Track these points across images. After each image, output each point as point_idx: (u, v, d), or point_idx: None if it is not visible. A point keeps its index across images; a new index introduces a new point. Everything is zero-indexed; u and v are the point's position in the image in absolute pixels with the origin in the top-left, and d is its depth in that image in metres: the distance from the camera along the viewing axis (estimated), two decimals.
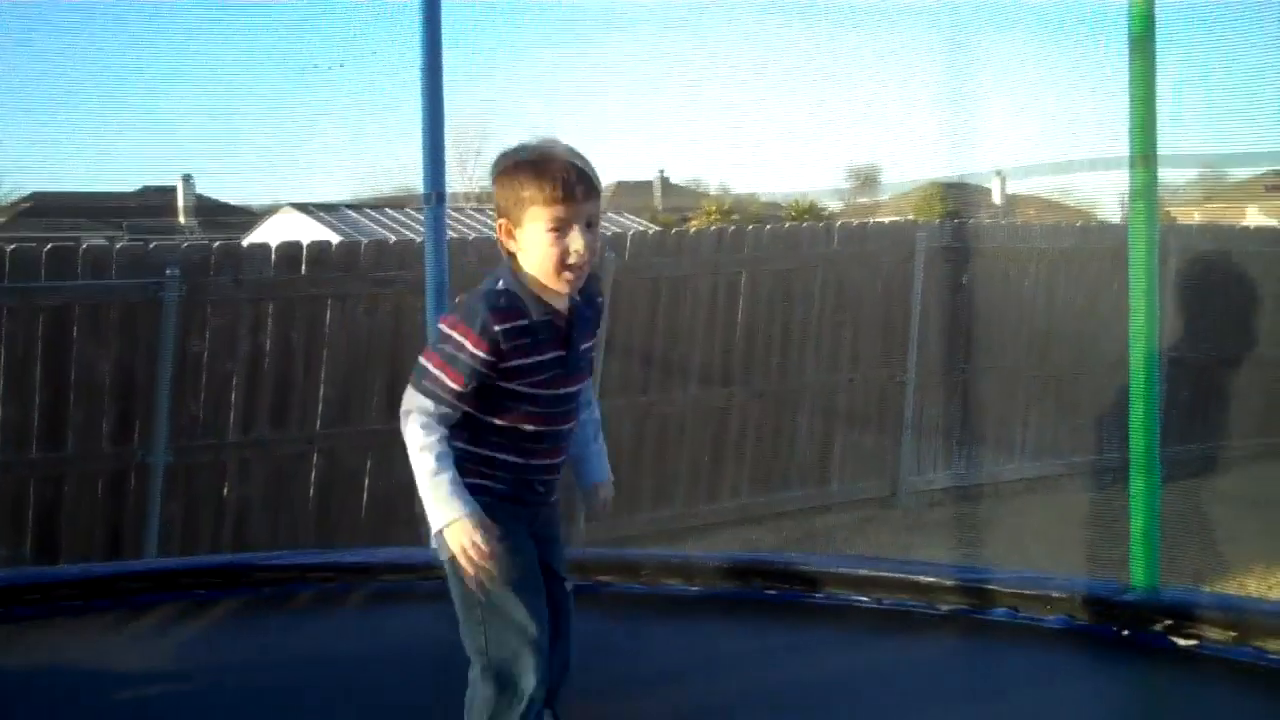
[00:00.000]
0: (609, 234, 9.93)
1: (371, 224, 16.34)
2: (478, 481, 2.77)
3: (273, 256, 7.76)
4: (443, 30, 5.07)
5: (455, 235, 11.20)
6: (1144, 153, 3.94)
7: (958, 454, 9.50)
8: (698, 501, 8.95)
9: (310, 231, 12.96)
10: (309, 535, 7.62)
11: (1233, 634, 3.63)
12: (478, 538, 2.65)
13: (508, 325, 2.71)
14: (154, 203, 18.41)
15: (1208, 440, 9.96)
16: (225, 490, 7.57)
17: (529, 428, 2.81)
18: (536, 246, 2.74)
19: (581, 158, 2.80)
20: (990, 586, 4.15)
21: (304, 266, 7.80)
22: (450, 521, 2.66)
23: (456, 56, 5.33)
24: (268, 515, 7.66)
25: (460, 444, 2.78)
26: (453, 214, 14.49)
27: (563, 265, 2.73)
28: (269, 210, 15.73)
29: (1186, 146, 5.52)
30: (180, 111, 7.75)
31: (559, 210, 2.71)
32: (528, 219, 2.74)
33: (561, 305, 2.81)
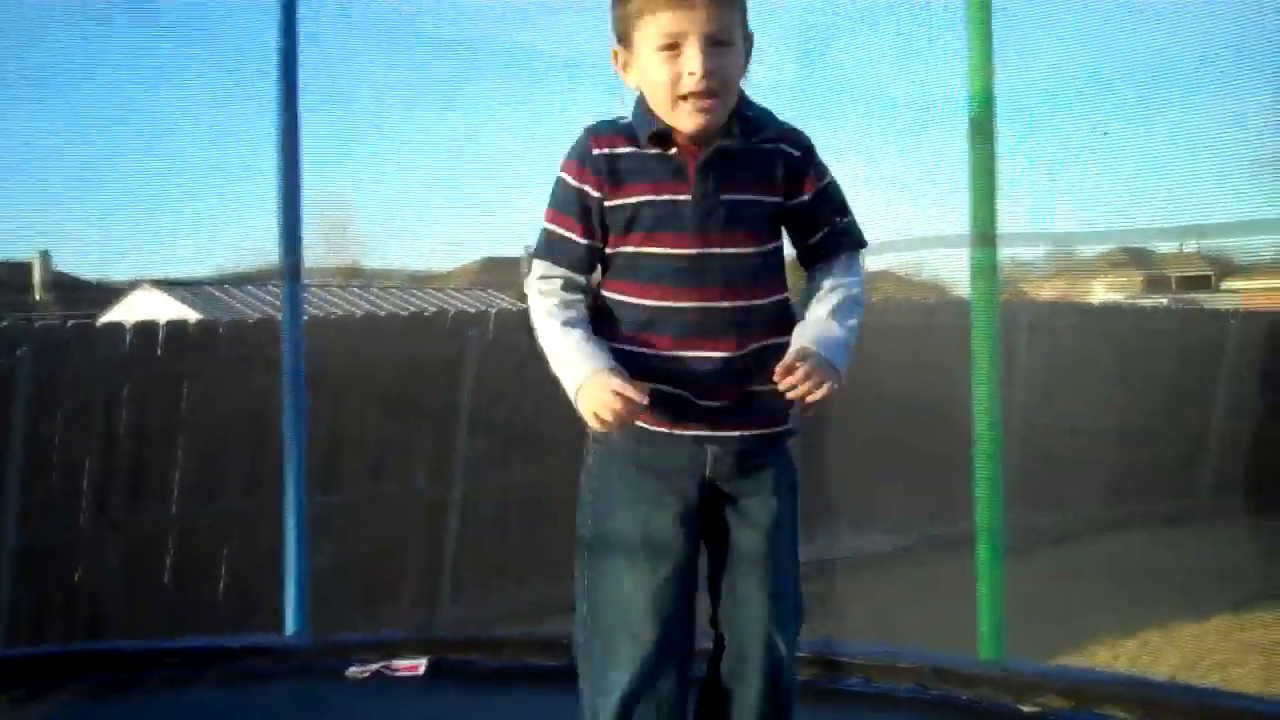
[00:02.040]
0: (472, 311, 9.95)
1: (234, 301, 16.13)
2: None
3: (128, 335, 7.64)
4: (300, 102, 5.04)
5: (318, 313, 11.16)
6: (984, 232, 4.09)
7: (813, 526, 9.59)
8: (566, 579, 8.91)
9: (170, 309, 12.77)
10: (165, 619, 7.45)
11: (1074, 701, 3.74)
12: (615, 386, 2.14)
13: (607, 151, 2.23)
14: (8, 279, 17.99)
15: (1057, 511, 10.21)
16: (77, 574, 7.38)
17: (660, 303, 2.22)
18: (645, 72, 2.22)
19: None
20: (842, 659, 4.22)
21: (160, 345, 7.69)
22: (578, 387, 2.20)
23: (316, 122, 5.32)
24: (123, 599, 7.47)
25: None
26: (316, 290, 14.42)
27: (677, 94, 2.18)
28: (128, 287, 15.48)
29: (1030, 225, 5.75)
30: (36, 186, 7.61)
31: (668, 20, 2.17)
32: (636, 38, 2.22)
33: (691, 141, 2.23)
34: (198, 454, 7.67)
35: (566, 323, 2.25)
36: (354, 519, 8.01)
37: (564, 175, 2.26)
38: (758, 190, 2.27)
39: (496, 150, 8.40)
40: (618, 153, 2.24)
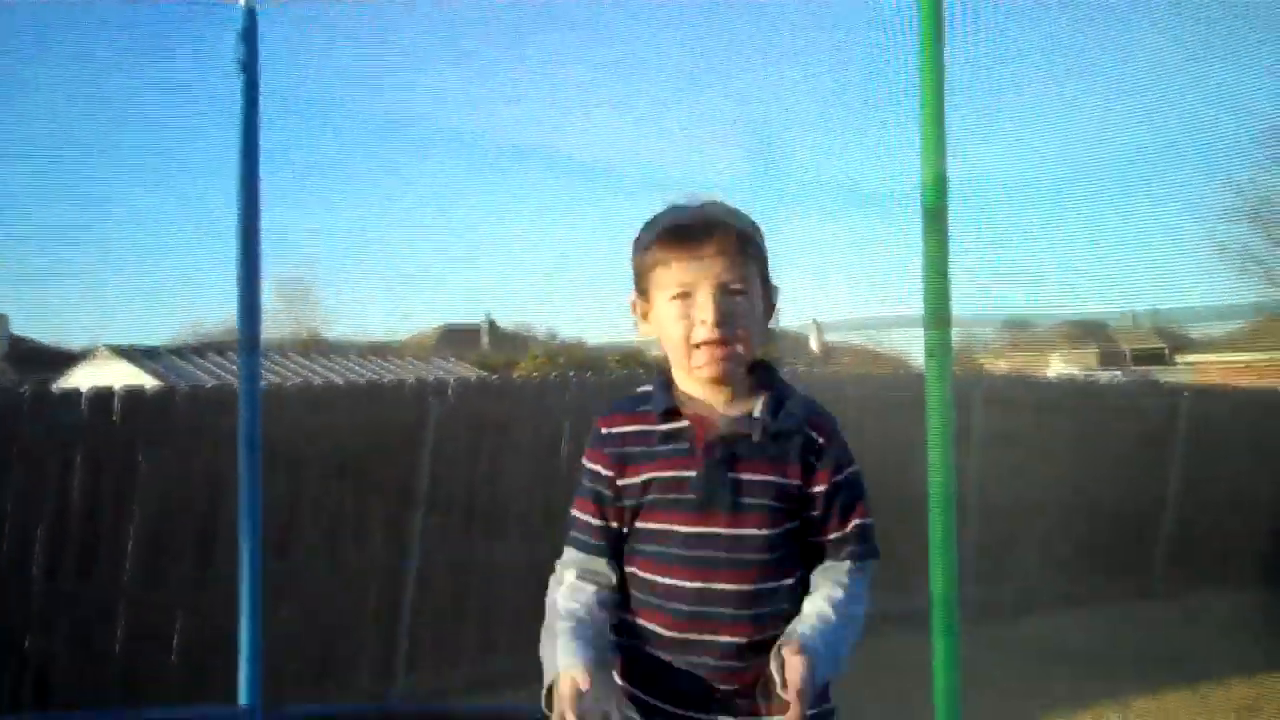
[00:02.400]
0: (431, 380, 9.94)
1: (193, 369, 16.08)
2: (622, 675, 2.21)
3: (84, 401, 7.59)
4: (261, 179, 5.09)
5: (275, 379, 11.14)
6: (936, 313, 4.15)
7: None
8: (522, 651, 8.86)
9: (127, 375, 12.71)
10: (117, 690, 7.35)
11: None
12: (566, 684, 2.06)
13: (622, 429, 2.22)
14: None
15: (1013, 584, 10.25)
16: (26, 643, 7.28)
17: (666, 580, 2.16)
18: (661, 323, 2.21)
19: (731, 209, 2.24)
20: None
21: (116, 411, 7.64)
22: (548, 685, 2.13)
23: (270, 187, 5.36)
24: (73, 669, 7.37)
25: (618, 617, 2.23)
26: (277, 359, 14.39)
27: (691, 343, 2.16)
28: (84, 352, 15.43)
29: (985, 304, 5.83)
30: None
31: (680, 270, 2.16)
32: (652, 289, 2.22)
33: (713, 411, 2.19)
34: (152, 521, 7.59)
35: (564, 614, 2.21)
36: (309, 588, 7.95)
37: (585, 460, 2.29)
38: (771, 470, 2.19)
39: (459, 224, 8.48)
40: (627, 431, 2.23)
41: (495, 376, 11.33)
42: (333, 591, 8.16)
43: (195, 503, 7.64)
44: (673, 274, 2.18)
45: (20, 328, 16.45)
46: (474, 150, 7.53)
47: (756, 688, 2.10)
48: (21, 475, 7.28)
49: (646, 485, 2.19)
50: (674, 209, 2.27)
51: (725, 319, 2.14)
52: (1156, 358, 17.64)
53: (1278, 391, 11.66)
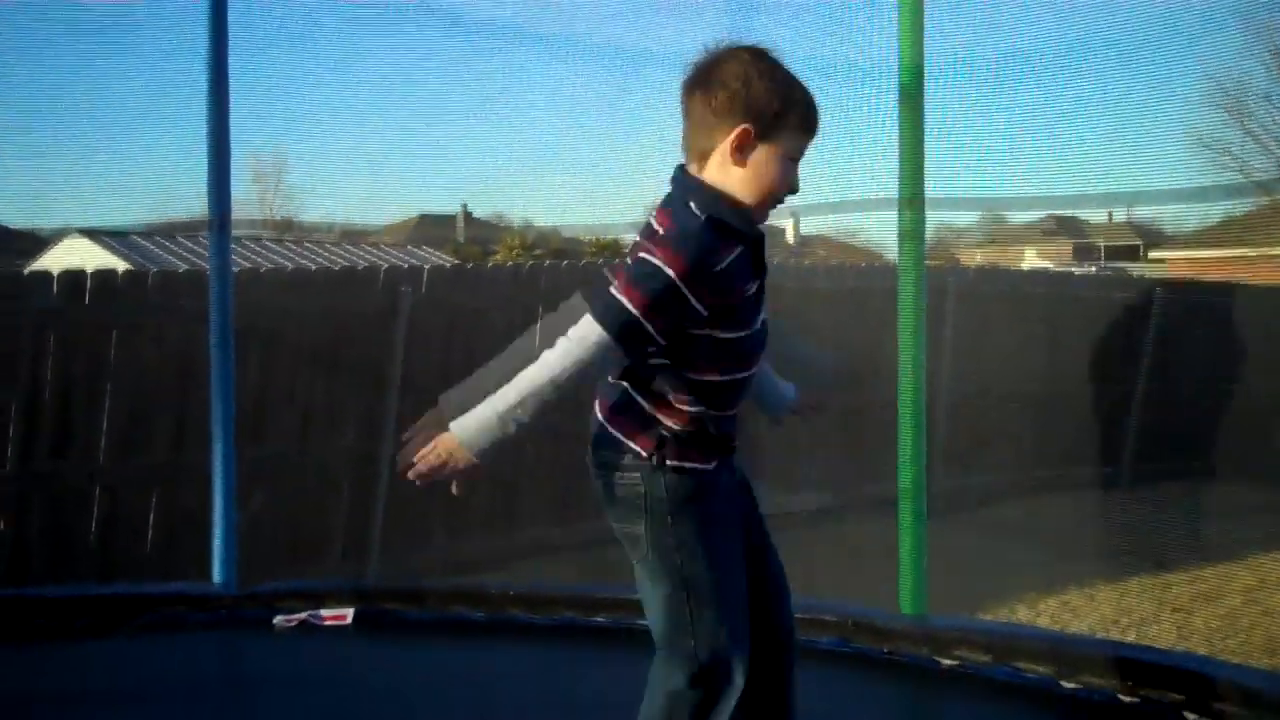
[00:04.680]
0: (405, 267, 9.92)
1: (163, 252, 15.95)
2: (683, 457, 2.45)
3: (55, 285, 7.55)
4: (230, 50, 4.99)
5: (247, 265, 11.06)
6: (911, 196, 4.15)
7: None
8: (492, 535, 8.95)
9: (99, 259, 12.60)
10: (91, 571, 7.40)
11: (991, 655, 3.83)
12: (460, 460, 2.36)
13: (731, 257, 2.38)
14: None
15: (984, 473, 10.37)
16: (0, 525, 7.31)
17: (730, 376, 2.48)
18: (769, 169, 2.45)
19: None
20: None
21: (88, 295, 7.60)
22: (468, 437, 2.36)
23: (248, 71, 5.29)
24: (48, 550, 7.41)
25: (653, 408, 2.46)
26: (247, 244, 14.28)
27: (779, 198, 2.50)
28: (56, 236, 15.25)
29: (960, 190, 5.82)
30: None
31: (806, 143, 2.51)
32: (779, 137, 2.46)
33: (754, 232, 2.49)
34: (125, 405, 7.59)
35: (555, 368, 2.36)
36: (283, 474, 7.98)
37: (662, 265, 2.33)
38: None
39: (435, 107, 8.39)
40: (735, 257, 2.38)
41: (470, 265, 11.28)
42: (306, 476, 8.20)
43: (169, 386, 7.63)
44: (798, 143, 2.48)
45: None
46: (453, 30, 7.42)
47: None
48: None
49: (737, 306, 2.44)
50: (803, 85, 2.51)
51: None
52: (1131, 253, 17.66)
53: (1248, 287, 11.69)
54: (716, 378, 2.46)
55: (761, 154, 2.44)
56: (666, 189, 2.56)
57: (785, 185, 2.48)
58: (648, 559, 2.48)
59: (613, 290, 2.35)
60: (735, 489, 2.61)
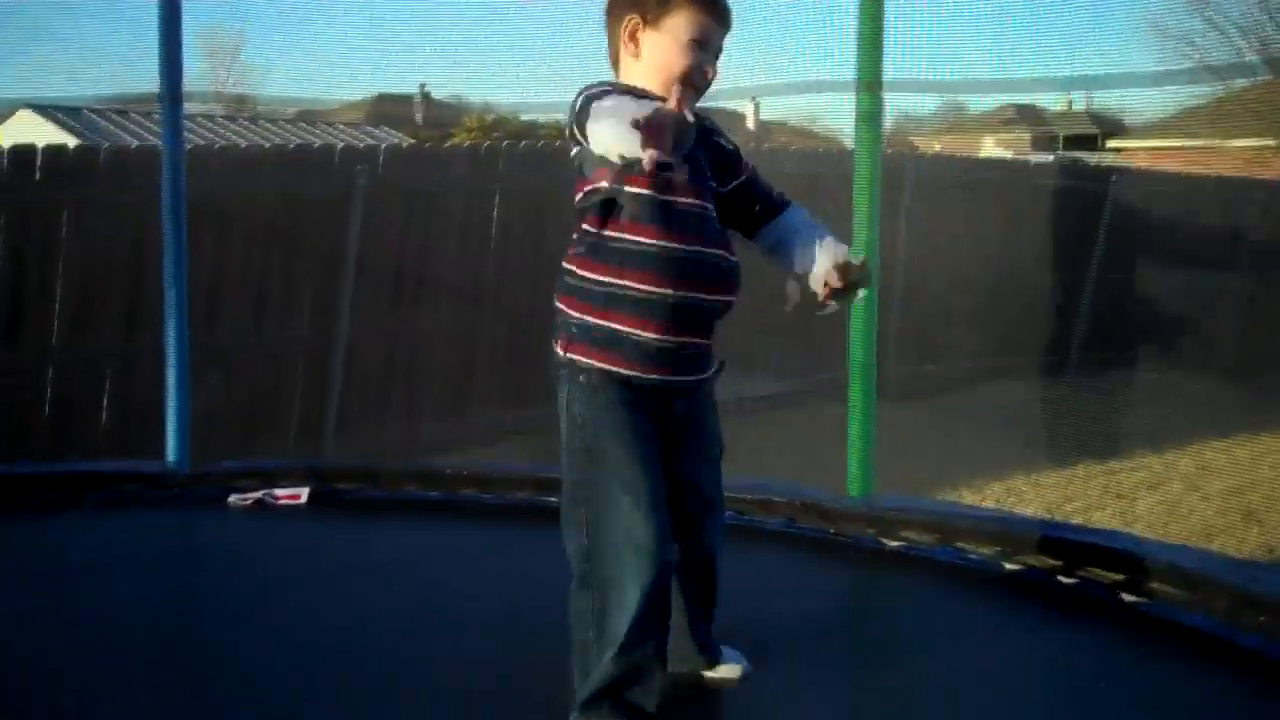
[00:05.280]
0: (361, 147, 9.81)
1: (115, 129, 15.68)
2: (600, 328, 2.43)
3: (4, 160, 7.43)
4: None
5: (202, 142, 10.91)
6: (869, 79, 4.14)
7: None
8: (447, 418, 8.98)
9: (49, 135, 12.38)
10: (44, 454, 7.37)
11: (935, 536, 3.90)
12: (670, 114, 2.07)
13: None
14: None
15: (936, 360, 10.46)
16: None
17: (664, 245, 2.41)
18: (666, 53, 2.45)
19: None
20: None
21: (38, 171, 7.49)
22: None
23: None
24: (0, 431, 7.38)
25: (584, 274, 2.45)
26: (201, 121, 14.05)
27: (689, 84, 2.39)
28: (6, 111, 14.95)
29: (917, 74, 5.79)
30: None
31: (707, 23, 2.47)
32: (668, 22, 2.45)
33: None
34: (78, 285, 7.52)
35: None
36: (238, 358, 7.96)
37: (618, 96, 2.36)
38: (713, 174, 2.58)
39: None
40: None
41: (428, 145, 11.18)
42: (261, 360, 8.18)
43: (122, 264, 7.56)
44: (696, 25, 2.46)
45: None
46: None
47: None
48: None
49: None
50: None
51: (712, 80, 2.52)
52: (1089, 143, 17.66)
53: (1202, 178, 11.76)
54: (637, 241, 2.46)
55: (653, 40, 2.48)
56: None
57: (687, 68, 2.45)
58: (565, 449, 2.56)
59: (583, 98, 2.37)
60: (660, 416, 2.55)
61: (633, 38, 2.48)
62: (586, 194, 2.46)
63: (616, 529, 2.39)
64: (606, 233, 2.45)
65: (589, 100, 2.35)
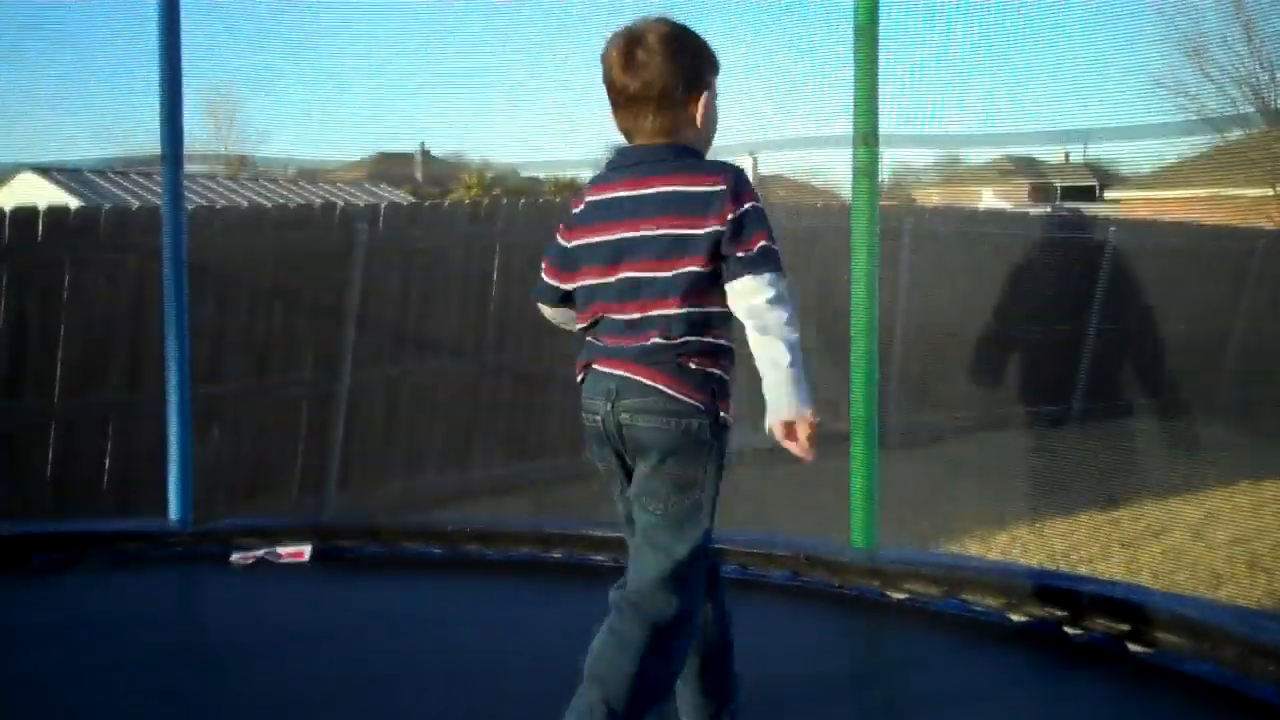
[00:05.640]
0: (363, 204, 9.85)
1: (116, 189, 15.76)
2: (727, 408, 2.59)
3: (7, 222, 7.46)
4: None
5: (204, 203, 10.97)
6: (866, 132, 4.16)
7: None
8: (448, 471, 8.96)
9: (50, 196, 12.43)
10: (47, 510, 7.36)
11: (940, 589, 3.88)
12: (810, 422, 2.48)
13: None
14: None
15: (938, 410, 10.45)
16: None
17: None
18: (713, 115, 2.61)
19: None
20: (721, 546, 4.32)
21: (40, 233, 7.52)
22: (805, 412, 2.47)
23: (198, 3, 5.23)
24: (3, 489, 7.36)
25: (710, 338, 2.57)
26: (203, 181, 14.12)
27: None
28: (8, 173, 15.02)
29: (912, 130, 5.84)
30: None
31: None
32: (708, 90, 2.59)
33: None
34: (80, 343, 7.54)
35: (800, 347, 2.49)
36: (239, 412, 7.97)
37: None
38: None
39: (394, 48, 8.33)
40: None
41: (427, 203, 11.23)
42: (263, 413, 8.19)
43: (123, 323, 7.58)
44: (715, 82, 2.60)
45: None
46: None
47: None
48: None
49: None
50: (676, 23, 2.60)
51: None
52: (1087, 194, 17.72)
53: (1200, 227, 11.80)
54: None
55: (707, 103, 2.57)
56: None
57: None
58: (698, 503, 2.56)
59: (765, 244, 2.45)
60: None
61: (705, 106, 2.57)
62: (710, 273, 2.51)
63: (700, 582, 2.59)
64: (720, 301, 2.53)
65: (775, 256, 2.48)
